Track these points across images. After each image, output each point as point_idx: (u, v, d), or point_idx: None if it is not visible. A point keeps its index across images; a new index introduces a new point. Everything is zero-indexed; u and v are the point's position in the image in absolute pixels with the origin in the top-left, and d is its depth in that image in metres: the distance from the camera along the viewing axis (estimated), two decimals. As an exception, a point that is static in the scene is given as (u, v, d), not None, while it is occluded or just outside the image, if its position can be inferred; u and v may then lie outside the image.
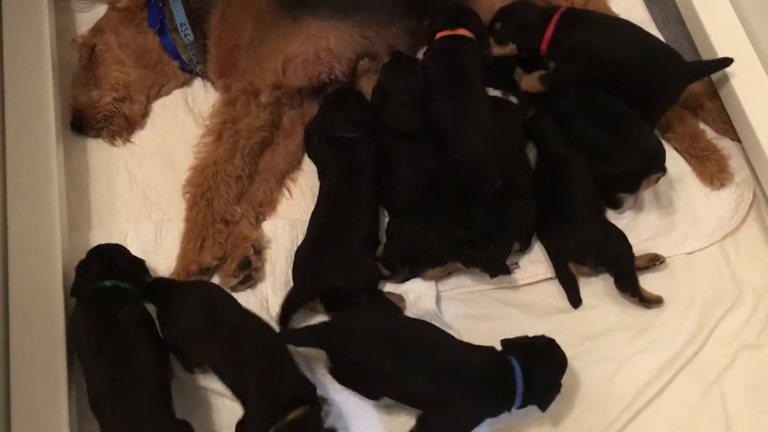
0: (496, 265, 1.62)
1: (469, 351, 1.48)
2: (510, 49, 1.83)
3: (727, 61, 1.79)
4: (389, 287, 1.68)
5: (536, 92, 1.83)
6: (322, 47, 1.76)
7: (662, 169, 1.70)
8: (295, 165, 1.82)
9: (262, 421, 1.35)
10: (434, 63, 1.78)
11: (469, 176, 1.66)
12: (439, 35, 1.80)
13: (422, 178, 1.70)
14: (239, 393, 1.43)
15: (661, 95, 1.80)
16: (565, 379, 1.58)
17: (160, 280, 1.58)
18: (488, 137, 1.68)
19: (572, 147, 1.77)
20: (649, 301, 1.67)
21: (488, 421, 1.51)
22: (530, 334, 1.61)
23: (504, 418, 1.52)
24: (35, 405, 1.38)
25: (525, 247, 1.74)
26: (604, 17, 1.91)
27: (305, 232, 1.69)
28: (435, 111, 1.72)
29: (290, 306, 1.58)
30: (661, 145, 1.75)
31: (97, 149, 1.83)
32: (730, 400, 1.59)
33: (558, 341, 1.60)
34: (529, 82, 1.83)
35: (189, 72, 1.91)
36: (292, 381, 1.40)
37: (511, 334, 1.58)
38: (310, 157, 1.83)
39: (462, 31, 1.79)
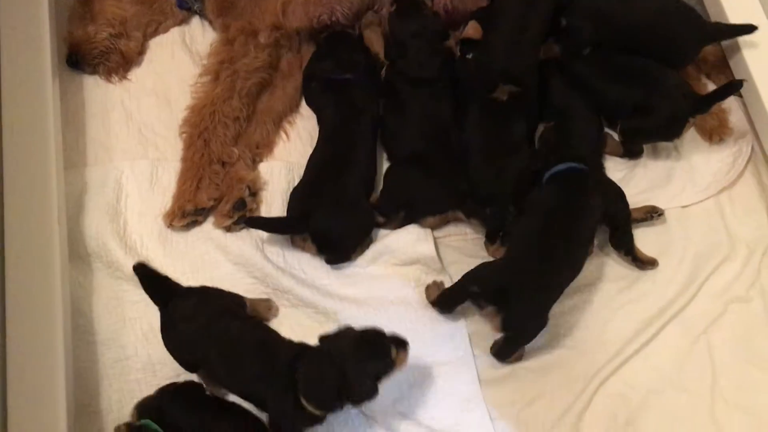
0: (497, 225, 1.63)
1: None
2: None
3: (750, 28, 1.75)
4: (383, 233, 1.69)
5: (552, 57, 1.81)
6: (324, -13, 1.73)
7: (706, 108, 1.72)
8: (293, 108, 1.81)
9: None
10: None
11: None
12: None
13: (433, 127, 1.69)
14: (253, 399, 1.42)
15: (677, 56, 1.78)
16: (556, 327, 1.62)
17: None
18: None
19: (596, 110, 1.76)
20: (642, 262, 1.67)
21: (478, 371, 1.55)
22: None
23: (493, 360, 1.56)
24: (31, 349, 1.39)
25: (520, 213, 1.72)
26: None
27: (302, 174, 1.69)
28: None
29: (275, 227, 1.62)
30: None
31: (93, 86, 1.81)
32: (718, 351, 1.61)
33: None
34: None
35: (187, 10, 1.88)
36: None
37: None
38: (308, 103, 1.82)
39: None
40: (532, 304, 1.51)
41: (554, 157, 1.62)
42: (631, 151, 1.80)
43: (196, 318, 1.40)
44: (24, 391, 1.35)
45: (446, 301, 1.58)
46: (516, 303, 1.48)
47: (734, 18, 1.81)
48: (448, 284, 1.60)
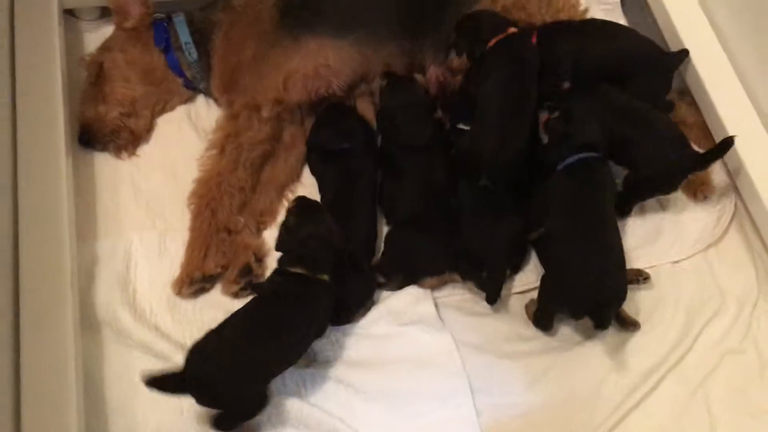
0: (493, 292, 1.68)
1: None
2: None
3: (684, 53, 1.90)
4: (384, 294, 1.74)
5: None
6: (321, 63, 1.83)
7: (706, 165, 1.80)
8: (295, 177, 1.89)
9: None
10: (498, 69, 1.79)
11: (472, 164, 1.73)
12: (493, 41, 1.82)
13: (430, 189, 1.77)
14: None
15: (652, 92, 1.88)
16: (555, 381, 1.66)
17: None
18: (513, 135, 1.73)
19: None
20: (626, 322, 1.69)
21: (479, 418, 1.58)
22: (522, 338, 1.70)
23: (494, 414, 1.59)
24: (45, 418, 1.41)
25: (516, 271, 1.79)
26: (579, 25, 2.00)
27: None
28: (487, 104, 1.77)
29: None
30: None
31: (103, 162, 1.89)
32: (715, 402, 1.65)
33: (548, 347, 1.70)
34: None
35: (192, 89, 1.98)
36: None
37: (504, 334, 1.69)
38: (312, 173, 1.90)
39: (512, 30, 1.84)
40: (619, 283, 1.61)
41: (566, 148, 1.70)
42: (622, 211, 1.85)
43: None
44: (36, 403, 1.39)
45: (540, 323, 1.69)
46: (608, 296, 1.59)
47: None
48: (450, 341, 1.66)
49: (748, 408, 1.64)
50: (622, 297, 1.62)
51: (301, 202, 1.66)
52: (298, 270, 1.56)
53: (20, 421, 1.40)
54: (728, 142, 1.75)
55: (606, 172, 1.73)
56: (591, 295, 1.58)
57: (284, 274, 1.58)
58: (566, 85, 1.86)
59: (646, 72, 1.88)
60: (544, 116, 1.80)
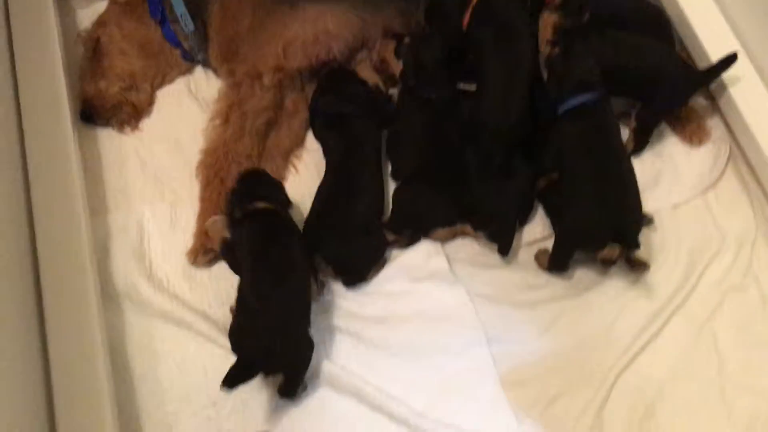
0: (505, 243, 1.72)
1: None
2: None
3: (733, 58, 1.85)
4: (396, 252, 1.76)
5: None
6: (320, 29, 1.84)
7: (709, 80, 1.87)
8: (299, 143, 1.91)
9: None
10: (481, 26, 1.82)
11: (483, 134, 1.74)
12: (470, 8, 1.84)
13: (438, 145, 1.78)
14: None
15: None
16: (565, 327, 1.70)
17: None
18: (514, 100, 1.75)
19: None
20: (637, 264, 1.73)
21: (496, 366, 1.63)
22: (533, 287, 1.75)
23: (510, 362, 1.64)
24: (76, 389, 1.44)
25: (523, 224, 1.83)
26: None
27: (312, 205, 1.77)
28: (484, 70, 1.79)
29: None
30: None
31: (107, 138, 1.89)
32: (722, 338, 1.70)
33: (558, 294, 1.74)
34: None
35: (190, 60, 1.98)
36: None
37: (515, 284, 1.73)
38: (316, 137, 1.91)
39: None
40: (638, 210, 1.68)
41: (567, 87, 1.73)
42: (641, 144, 1.91)
43: None
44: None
45: (557, 264, 1.73)
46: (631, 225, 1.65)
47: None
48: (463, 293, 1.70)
49: (753, 341, 1.70)
50: (641, 220, 1.69)
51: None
52: (261, 205, 1.64)
53: (52, 394, 1.42)
54: (731, 58, 1.80)
55: (609, 110, 1.76)
56: (615, 220, 1.63)
57: (250, 215, 1.64)
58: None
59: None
60: (546, 52, 1.81)
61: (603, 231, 1.65)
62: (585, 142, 1.71)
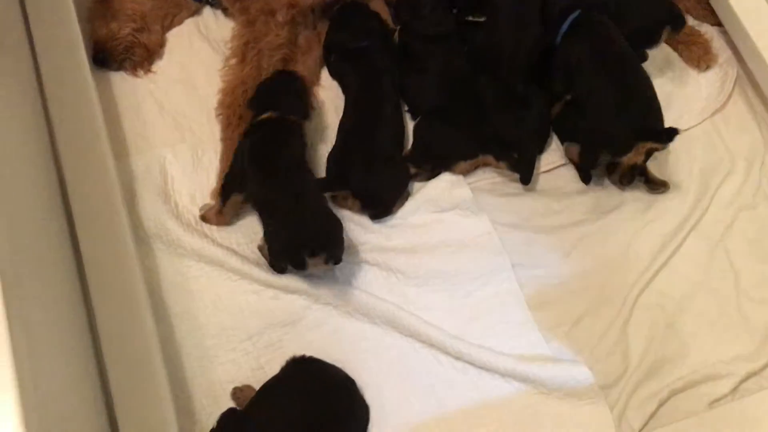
0: (527, 172, 1.75)
1: None
2: None
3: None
4: (419, 185, 1.79)
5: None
6: (331, -37, 1.83)
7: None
8: (315, 80, 1.90)
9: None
10: None
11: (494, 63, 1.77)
12: None
13: (452, 79, 1.80)
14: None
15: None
16: (587, 253, 1.75)
17: None
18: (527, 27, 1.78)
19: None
20: (655, 183, 1.80)
21: (522, 290, 1.68)
22: (554, 213, 1.79)
23: (535, 285, 1.70)
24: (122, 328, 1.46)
25: (541, 151, 1.86)
26: None
27: (332, 140, 1.79)
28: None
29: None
30: None
31: (121, 82, 1.88)
32: (735, 254, 1.77)
33: (578, 219, 1.78)
34: None
35: (199, 1, 1.96)
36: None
37: (536, 211, 1.77)
38: (331, 74, 1.91)
39: None
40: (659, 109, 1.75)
41: (556, 20, 1.78)
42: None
43: None
44: (125, 374, 1.41)
45: (584, 177, 1.79)
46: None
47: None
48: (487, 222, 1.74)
49: (766, 255, 1.77)
50: (662, 118, 1.75)
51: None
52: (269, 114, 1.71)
53: (99, 340, 1.44)
54: None
55: (606, 22, 1.79)
56: (638, 122, 1.69)
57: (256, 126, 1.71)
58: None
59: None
60: None
61: (628, 134, 1.69)
62: (594, 55, 1.75)
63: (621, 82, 1.73)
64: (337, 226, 1.62)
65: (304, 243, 1.56)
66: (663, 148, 1.75)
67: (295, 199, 1.61)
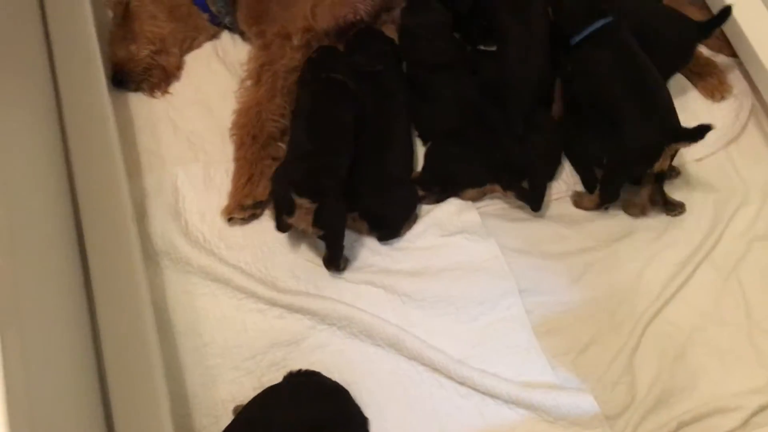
0: (537, 199, 1.76)
1: None
2: None
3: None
4: (427, 209, 1.79)
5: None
6: (346, -10, 1.86)
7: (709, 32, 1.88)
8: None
9: None
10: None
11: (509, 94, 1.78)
12: None
13: (462, 105, 1.81)
14: None
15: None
16: (595, 280, 1.73)
17: None
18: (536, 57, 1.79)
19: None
20: (674, 205, 1.80)
21: (529, 316, 1.66)
22: (563, 239, 1.78)
23: (542, 312, 1.68)
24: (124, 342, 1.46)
25: (552, 178, 1.86)
26: None
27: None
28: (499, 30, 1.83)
29: None
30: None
31: (138, 102, 1.92)
32: (748, 286, 1.74)
33: (587, 246, 1.77)
34: None
35: (218, 24, 2.00)
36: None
37: (545, 237, 1.77)
38: None
39: None
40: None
41: (582, 16, 1.77)
42: None
43: None
44: (125, 388, 1.40)
45: (610, 191, 1.76)
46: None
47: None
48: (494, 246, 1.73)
49: (780, 288, 1.75)
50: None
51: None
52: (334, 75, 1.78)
53: (102, 354, 1.44)
54: (726, 11, 1.83)
55: (626, 29, 1.77)
56: (663, 126, 1.68)
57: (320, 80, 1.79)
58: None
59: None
60: None
61: (657, 141, 1.68)
62: (616, 64, 1.73)
63: (643, 90, 1.71)
64: (337, 204, 1.64)
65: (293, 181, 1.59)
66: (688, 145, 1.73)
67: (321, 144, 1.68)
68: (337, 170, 1.67)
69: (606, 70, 1.74)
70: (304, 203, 1.58)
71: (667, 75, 1.91)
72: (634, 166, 1.73)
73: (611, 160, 1.74)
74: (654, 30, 1.85)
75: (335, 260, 1.69)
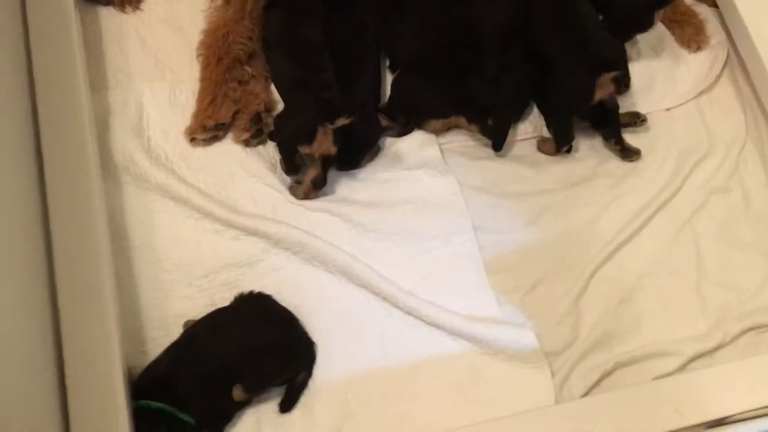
0: (500, 139, 1.76)
1: None
2: None
3: None
4: (390, 141, 1.80)
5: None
6: None
7: None
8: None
9: None
10: None
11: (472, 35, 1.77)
12: None
13: (436, 37, 1.79)
14: None
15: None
16: (551, 222, 1.75)
17: None
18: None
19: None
20: (630, 152, 1.81)
21: (481, 253, 1.69)
22: (523, 180, 1.78)
23: (495, 249, 1.70)
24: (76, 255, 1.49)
25: (518, 119, 1.86)
26: None
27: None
28: None
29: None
30: None
31: (108, 16, 1.89)
32: (702, 237, 1.76)
33: (547, 188, 1.78)
34: None
35: (192, -58, 1.96)
36: None
37: (505, 176, 1.77)
38: None
39: None
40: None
41: None
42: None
43: None
44: (73, 295, 1.44)
45: (564, 136, 1.78)
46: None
47: None
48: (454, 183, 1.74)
49: (733, 241, 1.76)
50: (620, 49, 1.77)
51: None
52: None
53: (53, 264, 1.47)
54: None
55: None
56: (594, 60, 1.71)
57: None
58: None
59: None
60: None
61: (588, 78, 1.70)
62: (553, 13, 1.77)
63: (571, 28, 1.75)
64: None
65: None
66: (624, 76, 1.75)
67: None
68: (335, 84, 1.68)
69: (536, 10, 1.76)
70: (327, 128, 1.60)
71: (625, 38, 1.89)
72: (575, 106, 1.75)
73: (552, 103, 1.76)
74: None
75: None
